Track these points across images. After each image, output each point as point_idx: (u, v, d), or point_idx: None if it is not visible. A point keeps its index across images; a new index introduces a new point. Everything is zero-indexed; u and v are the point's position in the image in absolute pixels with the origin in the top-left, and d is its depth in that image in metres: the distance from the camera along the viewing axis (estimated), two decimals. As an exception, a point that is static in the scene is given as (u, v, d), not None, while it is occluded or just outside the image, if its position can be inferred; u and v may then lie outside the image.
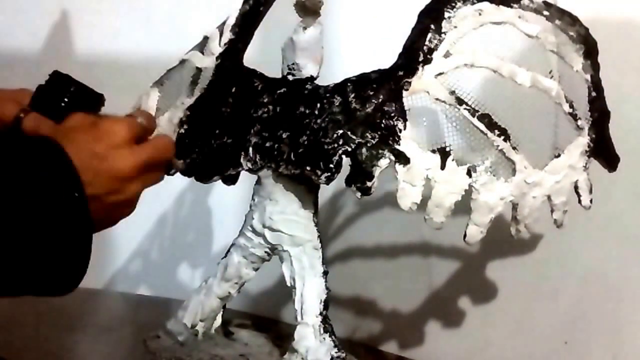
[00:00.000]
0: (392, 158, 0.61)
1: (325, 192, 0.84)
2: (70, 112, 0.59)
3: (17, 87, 0.62)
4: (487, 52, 0.61)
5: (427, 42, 0.62)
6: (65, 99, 0.60)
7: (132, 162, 0.57)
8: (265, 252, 0.70)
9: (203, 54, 0.70)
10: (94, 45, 1.21)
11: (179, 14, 1.13)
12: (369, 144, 0.61)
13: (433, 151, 0.61)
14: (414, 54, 0.62)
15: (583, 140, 0.63)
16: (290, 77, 0.68)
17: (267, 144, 0.66)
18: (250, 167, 0.68)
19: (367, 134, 0.62)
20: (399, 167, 0.61)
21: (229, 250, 0.72)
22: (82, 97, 0.61)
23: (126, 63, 1.18)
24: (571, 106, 0.63)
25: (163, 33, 1.13)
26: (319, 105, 0.64)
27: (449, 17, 0.62)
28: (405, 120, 0.61)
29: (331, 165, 0.64)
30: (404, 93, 0.62)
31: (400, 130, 0.61)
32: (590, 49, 0.64)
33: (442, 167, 0.61)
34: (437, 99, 0.61)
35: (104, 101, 0.63)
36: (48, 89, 0.61)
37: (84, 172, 0.52)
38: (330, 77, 0.67)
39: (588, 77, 0.64)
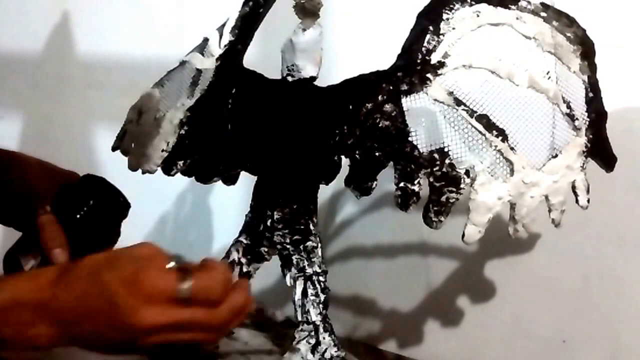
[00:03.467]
0: (391, 158, 0.61)
1: (325, 192, 0.85)
2: (85, 225, 0.57)
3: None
4: (485, 53, 0.62)
5: (425, 44, 0.62)
6: (81, 212, 0.57)
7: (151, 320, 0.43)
8: (266, 251, 0.70)
9: (203, 55, 0.70)
10: (94, 45, 1.21)
11: (179, 15, 1.13)
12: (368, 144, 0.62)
13: (432, 151, 0.61)
14: (413, 55, 0.62)
15: (580, 141, 0.64)
16: (289, 78, 0.68)
17: (267, 145, 0.67)
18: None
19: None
20: (397, 167, 0.61)
21: (229, 250, 0.72)
22: (99, 214, 0.58)
23: (126, 63, 1.18)
24: (568, 107, 0.63)
25: (163, 34, 1.13)
26: (318, 106, 0.65)
27: (447, 19, 0.62)
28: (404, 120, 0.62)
29: (330, 166, 0.64)
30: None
31: (399, 131, 0.61)
32: (587, 50, 0.65)
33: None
34: (435, 100, 0.61)
35: (126, 215, 0.59)
36: (69, 193, 0.58)
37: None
38: (329, 78, 0.67)
39: (585, 78, 0.65)
